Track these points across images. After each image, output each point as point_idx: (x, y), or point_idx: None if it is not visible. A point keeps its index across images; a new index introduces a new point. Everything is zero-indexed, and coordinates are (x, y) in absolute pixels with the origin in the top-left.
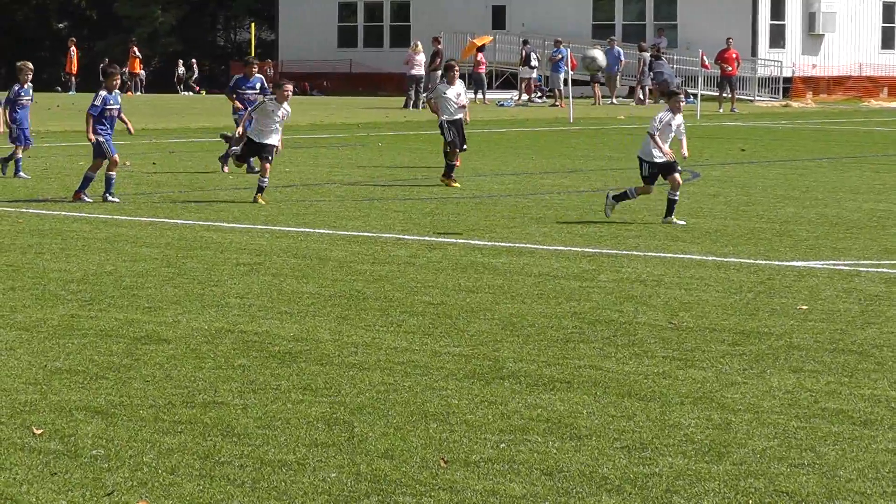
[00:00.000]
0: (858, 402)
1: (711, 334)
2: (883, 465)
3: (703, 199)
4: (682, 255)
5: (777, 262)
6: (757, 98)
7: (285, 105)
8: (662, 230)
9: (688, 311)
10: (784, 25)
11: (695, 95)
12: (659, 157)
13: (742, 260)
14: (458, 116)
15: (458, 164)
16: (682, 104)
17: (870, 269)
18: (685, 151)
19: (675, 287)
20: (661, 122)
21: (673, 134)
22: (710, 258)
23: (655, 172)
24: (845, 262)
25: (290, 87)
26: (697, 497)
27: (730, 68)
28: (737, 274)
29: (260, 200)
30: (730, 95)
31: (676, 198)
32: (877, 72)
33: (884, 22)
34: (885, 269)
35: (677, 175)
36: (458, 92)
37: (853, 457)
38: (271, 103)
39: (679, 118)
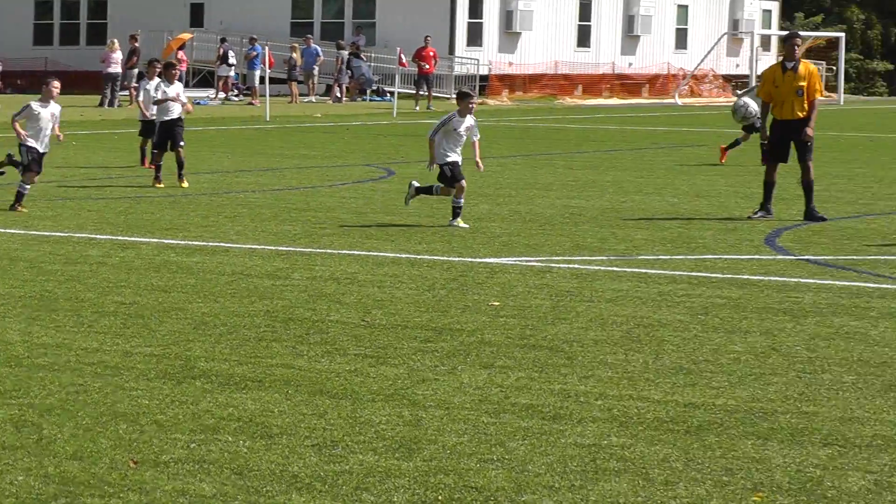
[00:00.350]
0: (548, 397)
1: (404, 331)
2: (571, 458)
3: (398, 196)
4: (375, 253)
5: (470, 259)
6: (453, 96)
7: (53, 104)
8: (357, 229)
9: (381, 308)
10: (482, 24)
11: (392, 93)
12: (451, 157)
13: (435, 257)
14: (174, 116)
15: (161, 163)
16: (473, 106)
17: (561, 266)
18: (479, 161)
19: (368, 285)
20: (443, 126)
21: (464, 137)
22: (404, 255)
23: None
24: (537, 259)
25: (56, 83)
26: (388, 493)
27: (427, 66)
28: (430, 271)
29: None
30: (427, 93)
31: (461, 203)
32: (572, 70)
33: (580, 20)
34: (576, 265)
35: (463, 181)
36: (176, 91)
37: (542, 451)
38: (37, 105)
39: (469, 120)
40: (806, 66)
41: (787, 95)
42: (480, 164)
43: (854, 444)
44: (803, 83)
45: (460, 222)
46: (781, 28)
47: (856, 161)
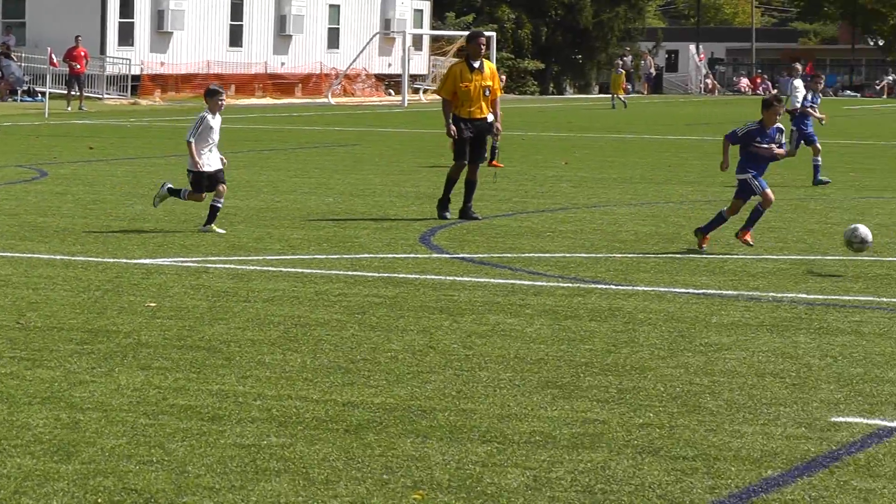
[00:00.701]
0: (206, 398)
1: (59, 333)
2: (231, 459)
3: (51, 197)
4: (29, 255)
5: (125, 260)
6: (106, 96)
7: None
8: (11, 231)
9: (35, 310)
10: (133, 23)
11: (43, 94)
12: (208, 166)
13: (90, 258)
14: None
15: None
16: (222, 104)
17: (218, 266)
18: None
19: (22, 287)
20: (199, 126)
21: (217, 137)
22: (59, 257)
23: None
24: (193, 259)
25: None
26: (46, 497)
27: (78, 66)
28: (85, 272)
29: None
30: (78, 93)
31: (220, 205)
32: (225, 69)
33: (232, 20)
34: (232, 266)
35: (223, 186)
36: None
37: (202, 452)
38: None
39: (218, 118)
40: (490, 65)
41: (475, 95)
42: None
43: (512, 441)
44: (490, 82)
45: (215, 227)
46: (433, 27)
47: (510, 159)
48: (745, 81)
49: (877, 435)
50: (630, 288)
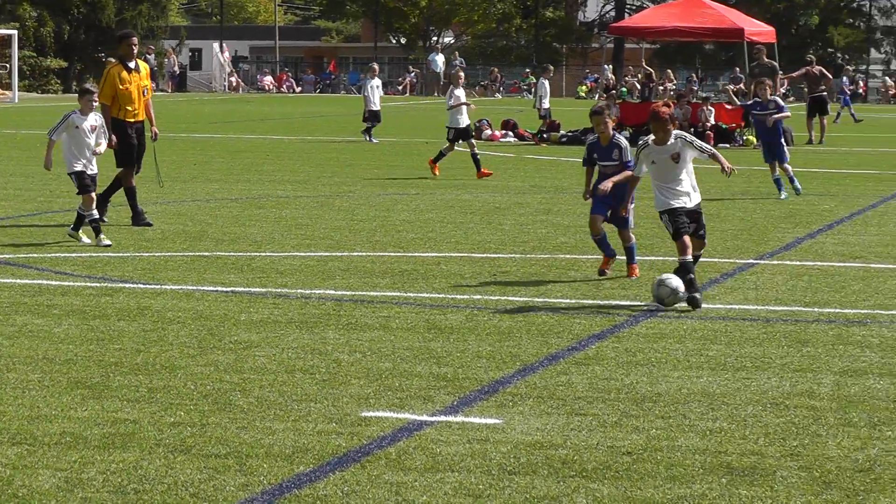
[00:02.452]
0: None
1: None
2: None
3: None
4: None
5: None
6: None
7: None
8: None
9: None
10: None
11: None
12: (78, 166)
13: None
14: None
15: None
16: (96, 103)
17: None
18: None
19: None
20: (62, 124)
21: (92, 139)
22: None
23: None
24: None
25: None
26: None
27: None
28: None
29: None
30: None
31: (93, 215)
32: None
33: None
34: None
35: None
36: None
37: None
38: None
39: (94, 118)
40: (144, 65)
41: (136, 96)
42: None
43: (43, 443)
44: (147, 82)
45: (83, 235)
46: None
47: (34, 159)
48: (269, 79)
49: (406, 429)
50: (158, 287)
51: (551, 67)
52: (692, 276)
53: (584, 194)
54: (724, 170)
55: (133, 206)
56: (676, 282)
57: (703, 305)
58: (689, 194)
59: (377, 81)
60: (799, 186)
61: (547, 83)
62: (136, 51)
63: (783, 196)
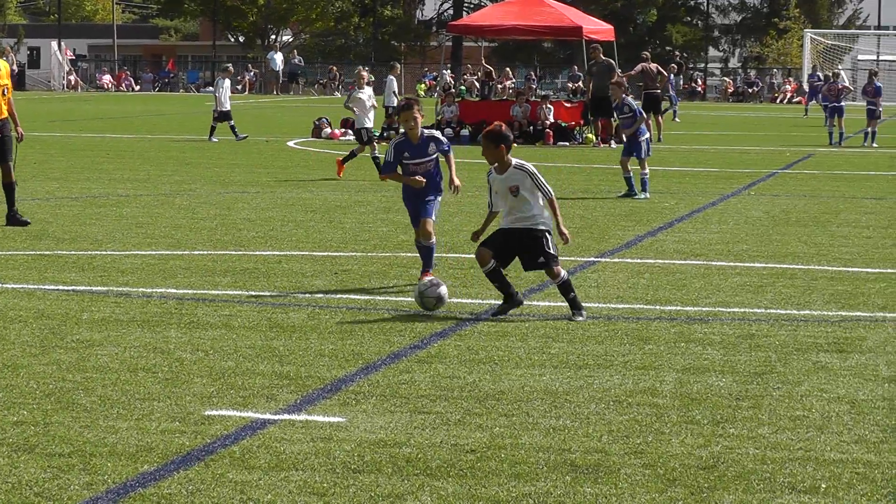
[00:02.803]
0: None
1: None
2: None
3: None
4: None
5: None
6: None
7: None
8: None
9: None
10: None
11: None
12: None
13: None
14: None
15: None
16: None
17: None
18: None
19: None
20: None
21: None
22: None
23: None
24: None
25: None
26: None
27: None
28: None
29: None
30: None
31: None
32: None
33: None
34: None
35: None
36: None
37: None
38: None
39: None
40: (5, 63)
41: None
42: None
43: None
44: (7, 81)
45: None
46: None
47: None
48: (107, 78)
49: (250, 427)
50: None
51: (398, 65)
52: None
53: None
54: (560, 231)
55: (10, 203)
56: (442, 290)
57: (545, 303)
58: (532, 217)
59: (229, 82)
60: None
61: (395, 80)
62: None
63: (644, 196)
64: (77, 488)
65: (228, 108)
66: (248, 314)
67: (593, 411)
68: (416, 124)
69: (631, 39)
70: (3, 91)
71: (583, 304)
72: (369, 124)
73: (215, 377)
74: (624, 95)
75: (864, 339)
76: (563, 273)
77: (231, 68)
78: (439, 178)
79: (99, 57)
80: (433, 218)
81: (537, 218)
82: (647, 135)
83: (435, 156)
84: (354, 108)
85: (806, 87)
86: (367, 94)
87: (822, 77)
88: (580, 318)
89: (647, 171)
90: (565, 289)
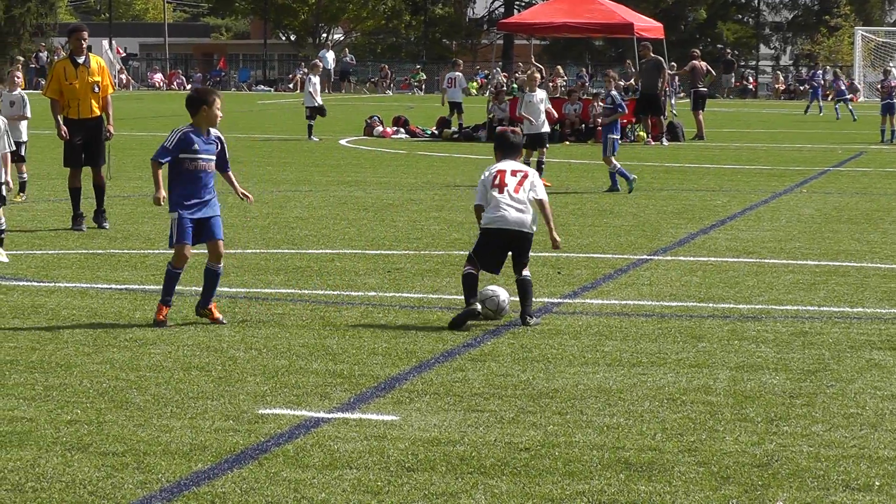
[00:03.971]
0: None
1: None
2: None
3: None
4: None
5: None
6: None
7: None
8: None
9: None
10: None
11: None
12: None
13: None
14: None
15: None
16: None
17: None
18: None
19: None
20: None
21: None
22: None
23: None
24: None
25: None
26: None
27: None
28: None
29: None
30: None
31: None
32: None
33: None
34: None
35: None
36: None
37: None
38: None
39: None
40: (97, 60)
41: (82, 92)
42: None
43: None
44: (98, 78)
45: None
46: None
47: None
48: (159, 76)
49: (304, 426)
50: (52, 284)
51: (461, 62)
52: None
53: (159, 198)
54: (553, 241)
55: (75, 207)
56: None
57: (598, 301)
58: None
59: (318, 78)
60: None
61: (461, 76)
62: (85, 45)
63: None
64: (131, 487)
65: (320, 102)
66: (300, 312)
67: (647, 409)
68: (210, 120)
69: (681, 37)
70: (94, 87)
71: (624, 299)
72: (546, 129)
73: (269, 376)
74: (612, 90)
75: None
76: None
77: (319, 63)
78: None
79: (150, 56)
80: None
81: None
82: (618, 135)
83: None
84: (529, 117)
85: (811, 85)
86: (538, 96)
87: (821, 76)
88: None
89: (615, 165)
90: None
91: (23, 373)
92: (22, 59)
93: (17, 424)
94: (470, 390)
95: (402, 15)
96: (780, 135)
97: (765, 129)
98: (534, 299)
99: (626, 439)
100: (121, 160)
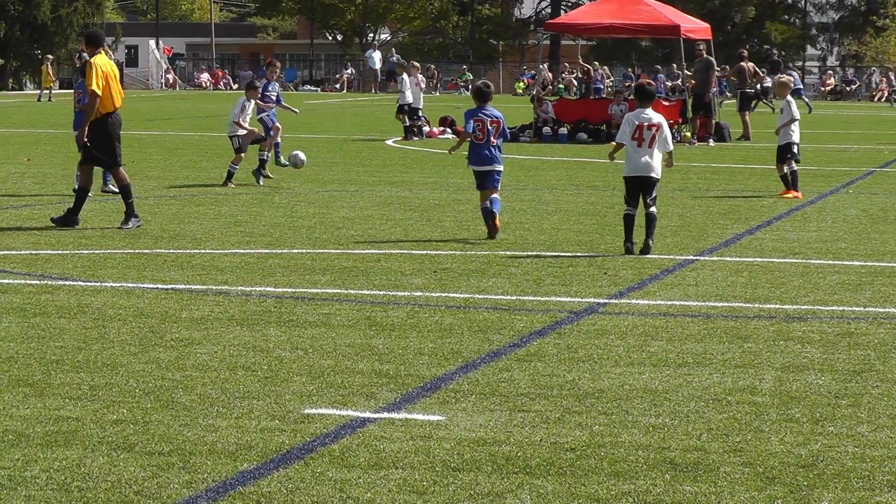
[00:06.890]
0: None
1: None
2: None
3: None
4: None
5: None
6: None
7: None
8: None
9: None
10: None
11: None
12: None
13: None
14: None
15: None
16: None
17: None
18: None
19: None
20: None
21: None
22: None
23: None
24: None
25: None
26: None
27: None
28: None
29: None
30: None
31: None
32: None
33: None
34: None
35: None
36: None
37: None
38: None
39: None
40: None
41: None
42: None
43: None
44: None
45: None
46: None
47: None
48: (205, 76)
49: (350, 426)
50: (98, 284)
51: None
52: None
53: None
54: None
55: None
56: None
57: (644, 301)
58: None
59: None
60: None
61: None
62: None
63: None
64: (176, 487)
65: (420, 103)
66: (347, 312)
67: (692, 409)
68: None
69: (728, 38)
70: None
71: (670, 299)
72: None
73: (314, 375)
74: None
75: None
76: None
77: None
78: None
79: (196, 55)
80: None
81: None
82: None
83: None
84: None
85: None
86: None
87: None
88: None
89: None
90: None
91: (69, 372)
92: (51, 56)
93: (63, 424)
94: (516, 390)
95: (449, 15)
96: (827, 135)
97: (811, 130)
98: (578, 299)
99: (672, 439)
100: (168, 159)
